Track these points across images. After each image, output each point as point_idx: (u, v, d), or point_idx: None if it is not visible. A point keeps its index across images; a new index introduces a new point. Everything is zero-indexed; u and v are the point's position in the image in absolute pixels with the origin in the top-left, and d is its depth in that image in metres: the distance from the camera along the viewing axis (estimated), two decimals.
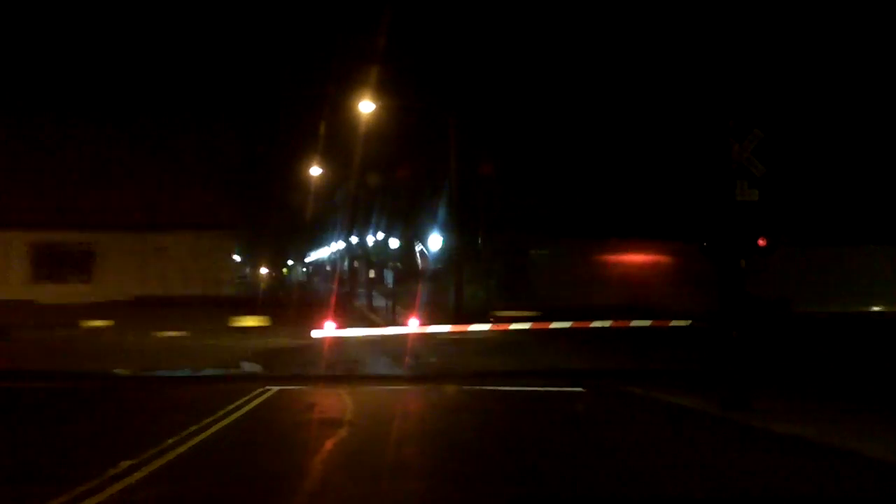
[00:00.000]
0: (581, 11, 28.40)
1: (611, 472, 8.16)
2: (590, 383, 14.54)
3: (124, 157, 34.02)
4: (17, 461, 8.31)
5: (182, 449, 8.72)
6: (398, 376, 16.45)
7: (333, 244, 59.03)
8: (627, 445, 9.59)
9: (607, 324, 21.94)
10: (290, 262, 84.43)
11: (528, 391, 14.32)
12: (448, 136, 24.95)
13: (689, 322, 21.14)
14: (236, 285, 35.89)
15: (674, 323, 21.91)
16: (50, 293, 31.75)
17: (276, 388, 13.68)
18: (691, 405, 11.96)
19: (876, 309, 31.62)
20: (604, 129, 30.62)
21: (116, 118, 33.26)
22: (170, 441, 8.93)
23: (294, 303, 34.19)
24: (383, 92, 24.19)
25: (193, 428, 9.75)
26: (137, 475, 7.52)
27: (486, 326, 22.18)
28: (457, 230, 26.78)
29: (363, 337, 22.44)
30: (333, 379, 15.72)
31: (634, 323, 21.87)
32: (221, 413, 10.97)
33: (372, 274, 41.61)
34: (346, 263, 54.80)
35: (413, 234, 38.74)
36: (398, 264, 38.24)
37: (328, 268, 69.26)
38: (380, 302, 37.62)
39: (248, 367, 16.76)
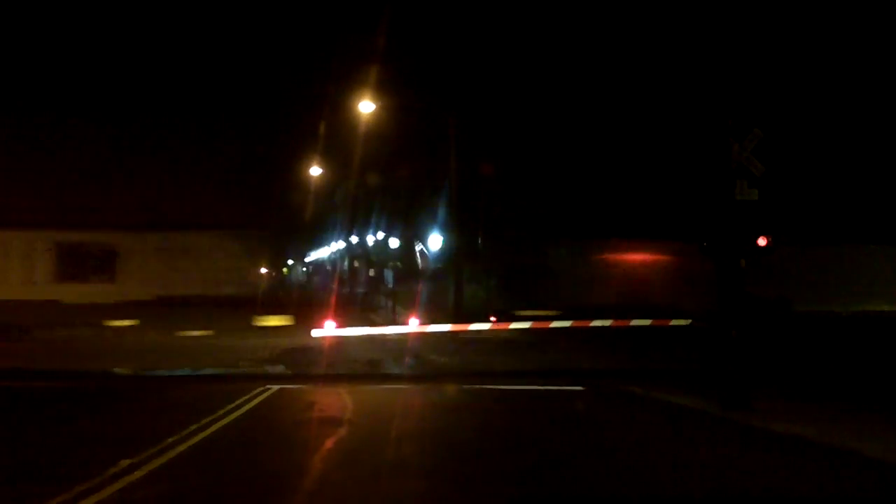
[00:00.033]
0: (581, 12, 28.40)
1: (611, 471, 8.16)
2: (590, 382, 14.55)
3: (146, 159, 34.15)
4: (17, 460, 8.31)
5: (182, 448, 8.72)
6: (398, 375, 16.45)
7: (333, 244, 59.02)
8: (627, 445, 9.59)
9: (608, 323, 22.01)
10: (290, 262, 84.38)
11: (528, 390, 14.32)
12: (448, 136, 24.95)
13: (689, 322, 21.18)
14: (254, 285, 35.89)
15: (674, 322, 21.95)
16: (74, 293, 31.87)
17: (276, 387, 13.69)
18: (691, 405, 11.96)
19: (880, 308, 31.60)
20: (604, 129, 30.63)
21: (138, 120, 33.39)
22: (170, 440, 8.93)
23: (308, 303, 34.28)
24: (383, 92, 24.17)
25: (193, 427, 9.75)
26: (137, 474, 7.53)
27: (486, 326, 22.21)
28: (457, 230, 26.78)
29: (365, 336, 22.46)
30: (333, 378, 15.71)
31: (634, 322, 21.92)
32: (221, 412, 10.97)
33: (372, 273, 41.63)
34: (346, 263, 54.79)
35: (413, 234, 38.75)
36: (398, 264, 38.23)
37: (328, 267, 69.22)
38: (380, 302, 37.68)
39: (271, 368, 16.81)
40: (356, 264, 52.27)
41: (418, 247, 38.90)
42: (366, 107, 24.50)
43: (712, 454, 9.01)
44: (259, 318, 26.30)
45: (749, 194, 11.68)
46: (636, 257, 34.06)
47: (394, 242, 38.02)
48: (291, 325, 25.80)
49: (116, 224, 33.59)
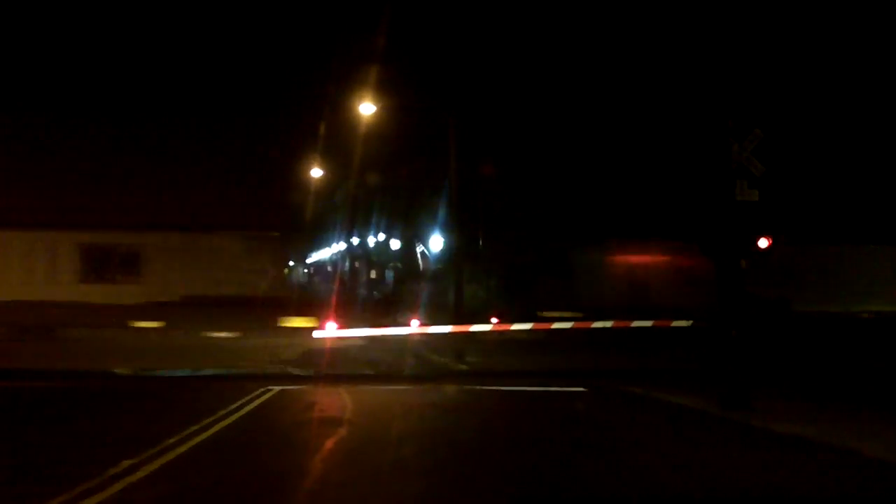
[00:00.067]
0: (581, 12, 28.41)
1: (611, 471, 8.16)
2: (591, 383, 14.56)
3: (169, 159, 34.14)
4: (18, 460, 8.31)
5: (183, 449, 8.73)
6: (399, 376, 16.47)
7: (334, 245, 59.04)
8: (627, 445, 9.60)
9: (609, 324, 22.03)
10: (290, 263, 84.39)
11: (528, 391, 14.33)
12: (448, 136, 24.95)
13: (690, 323, 21.18)
14: (276, 286, 35.90)
15: (675, 323, 21.96)
16: (98, 293, 31.83)
17: (277, 388, 13.70)
18: (691, 405, 11.97)
19: (879, 309, 31.60)
20: (604, 129, 30.64)
21: (159, 121, 33.37)
22: (170, 441, 8.94)
23: (328, 303, 34.37)
24: (383, 92, 24.16)
25: (194, 428, 9.76)
26: (138, 474, 7.53)
27: (486, 327, 22.20)
28: (457, 230, 26.79)
29: (370, 336, 22.53)
30: (334, 378, 15.73)
31: (636, 323, 21.94)
32: (222, 413, 10.98)
33: (373, 274, 41.64)
34: (346, 264, 54.80)
35: (413, 235, 38.77)
36: (399, 265, 38.28)
37: (329, 268, 69.23)
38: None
39: (294, 369, 16.89)
40: (356, 265, 52.28)
41: (419, 248, 38.94)
42: (366, 108, 24.51)
43: (712, 454, 9.02)
44: (285, 318, 26.38)
45: (749, 195, 11.69)
46: (647, 258, 34.04)
47: (394, 244, 38.05)
48: (316, 327, 25.81)
49: (141, 224, 33.63)
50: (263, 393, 13.14)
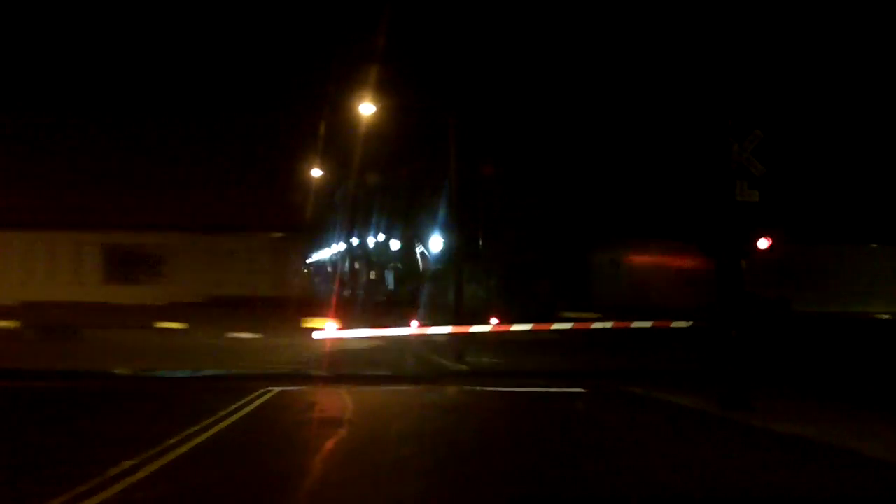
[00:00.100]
0: (581, 12, 28.41)
1: (611, 471, 8.17)
2: (591, 383, 14.56)
3: (193, 159, 34.18)
4: (18, 460, 8.31)
5: (183, 449, 8.73)
6: (399, 376, 16.47)
7: (334, 245, 59.01)
8: (627, 445, 9.60)
9: (609, 325, 22.08)
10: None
11: (528, 391, 14.33)
12: (448, 136, 24.94)
13: (690, 322, 21.19)
14: (298, 286, 35.93)
15: (675, 324, 21.98)
16: (122, 294, 31.92)
17: (277, 389, 13.70)
18: (691, 405, 11.98)
19: (884, 316, 31.57)
20: (604, 129, 30.64)
21: (182, 122, 33.40)
22: (170, 441, 8.94)
23: (351, 304, 34.49)
24: (383, 92, 24.15)
25: (194, 428, 9.76)
26: (138, 475, 7.54)
27: (486, 327, 22.20)
28: (457, 230, 26.80)
29: (371, 337, 22.59)
30: (334, 379, 15.73)
31: (636, 324, 21.98)
32: (223, 413, 10.98)
33: (373, 275, 41.61)
34: (346, 264, 54.78)
35: (413, 235, 38.77)
36: (399, 265, 38.27)
37: (329, 269, 69.19)
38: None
39: (315, 370, 16.99)
40: (357, 265, 52.28)
41: (419, 248, 38.94)
42: (366, 108, 24.50)
43: (712, 454, 9.02)
44: (307, 319, 26.44)
45: (749, 195, 11.70)
46: (663, 259, 34.00)
47: (394, 244, 38.06)
48: (339, 328, 25.83)
49: (164, 225, 33.69)
50: (264, 393, 13.13)
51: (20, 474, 7.66)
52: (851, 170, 30.80)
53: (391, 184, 36.80)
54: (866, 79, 28.55)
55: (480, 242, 32.34)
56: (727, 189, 11.53)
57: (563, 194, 32.65)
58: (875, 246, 34.08)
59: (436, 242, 35.91)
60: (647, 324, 22.17)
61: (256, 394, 12.97)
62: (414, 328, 22.22)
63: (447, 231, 29.16)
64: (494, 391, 14.25)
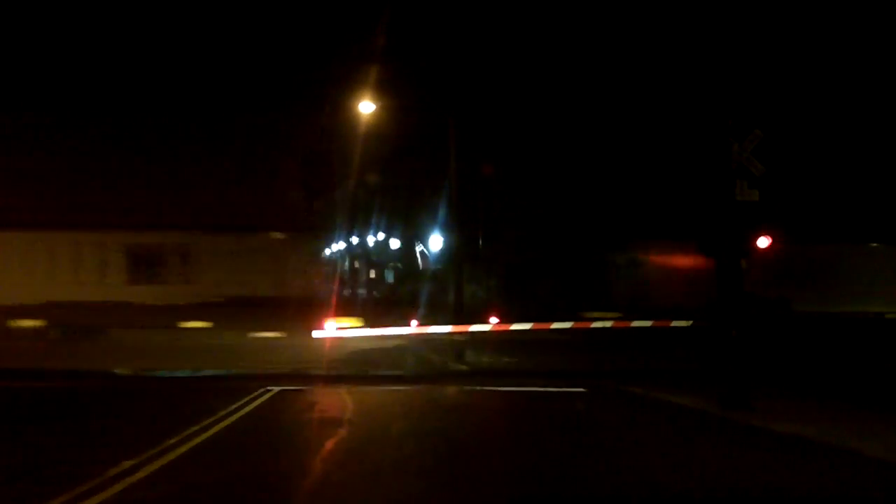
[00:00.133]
0: (580, 11, 28.41)
1: (611, 471, 8.16)
2: (591, 383, 14.57)
3: (217, 159, 34.19)
4: (18, 460, 8.31)
5: (183, 449, 8.73)
6: (399, 376, 16.47)
7: (334, 244, 58.98)
8: (627, 445, 9.60)
9: (608, 324, 22.08)
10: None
11: (529, 391, 14.33)
12: (448, 136, 24.95)
13: (690, 322, 21.20)
14: (321, 285, 35.95)
15: (675, 323, 21.99)
16: (146, 294, 32.00)
17: (277, 389, 13.70)
18: (691, 404, 11.97)
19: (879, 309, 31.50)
20: (603, 128, 30.64)
21: (202, 121, 33.42)
22: (170, 441, 8.94)
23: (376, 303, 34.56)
24: (383, 92, 24.15)
25: (194, 428, 9.76)
26: (138, 475, 7.54)
27: (486, 327, 22.20)
28: (457, 230, 26.81)
29: (369, 337, 22.62)
30: (334, 379, 15.74)
31: (635, 323, 21.99)
32: (223, 413, 10.99)
33: (373, 274, 41.59)
34: (346, 263, 54.76)
35: (413, 235, 38.77)
36: (398, 264, 38.27)
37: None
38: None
39: (338, 370, 17.07)
40: (356, 264, 52.25)
41: (419, 247, 38.96)
42: (366, 107, 24.50)
43: (712, 454, 9.02)
44: (332, 319, 26.49)
45: (749, 195, 11.70)
46: (680, 259, 33.93)
47: (394, 243, 38.06)
48: (362, 328, 25.88)
49: (188, 225, 33.73)
50: (263, 393, 13.14)
51: (20, 474, 7.67)
52: (851, 169, 30.80)
53: (391, 183, 36.81)
54: (866, 78, 28.56)
55: (480, 242, 32.34)
56: (727, 189, 11.52)
57: (572, 194, 32.64)
58: (875, 245, 34.07)
59: (436, 242, 35.93)
60: (647, 323, 22.17)
61: (256, 393, 12.97)
62: (413, 328, 22.25)
63: (447, 231, 29.18)
64: (494, 391, 14.25)
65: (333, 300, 32.32)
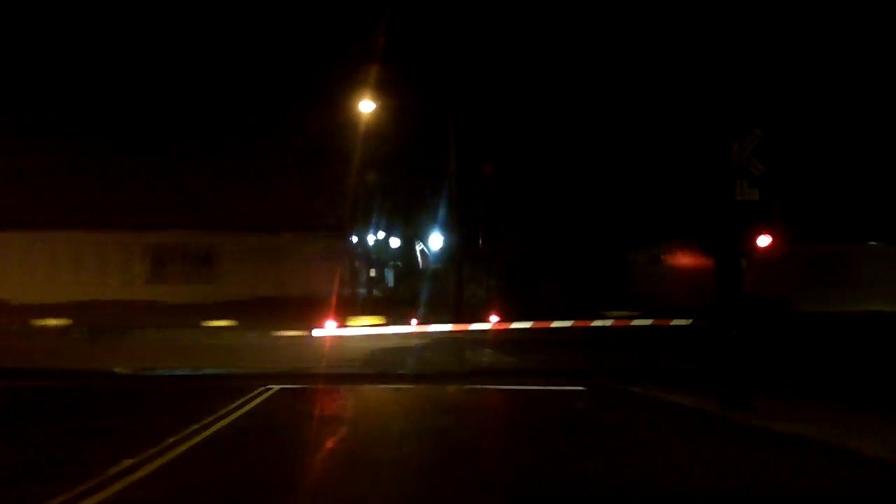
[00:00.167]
0: (580, 11, 28.43)
1: (611, 470, 8.17)
2: (591, 382, 14.57)
3: (240, 159, 34.25)
4: (18, 460, 8.32)
5: (183, 447, 8.74)
6: (399, 375, 16.48)
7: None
8: (627, 444, 9.60)
9: (608, 323, 22.09)
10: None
11: (529, 390, 14.33)
12: (448, 136, 25.02)
13: (690, 321, 21.23)
14: (345, 284, 36.08)
15: (675, 322, 22.01)
16: (170, 293, 32.09)
17: (277, 387, 13.70)
18: (691, 404, 11.97)
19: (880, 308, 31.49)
20: (603, 128, 30.66)
21: (223, 122, 33.46)
22: (171, 440, 8.95)
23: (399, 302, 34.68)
24: (383, 92, 24.22)
25: (194, 427, 9.77)
26: (139, 473, 7.55)
27: (486, 326, 22.25)
28: (457, 230, 26.87)
29: (367, 335, 22.64)
30: (335, 378, 15.75)
31: (635, 322, 22.01)
32: (223, 412, 10.99)
33: (373, 273, 41.60)
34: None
35: (413, 234, 38.80)
36: (399, 263, 38.29)
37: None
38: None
39: (362, 369, 17.14)
40: (357, 263, 52.24)
41: (419, 246, 38.98)
42: (366, 107, 24.59)
43: (712, 453, 9.02)
44: (354, 318, 26.57)
45: (749, 194, 11.70)
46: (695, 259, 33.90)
47: (394, 242, 38.09)
48: (383, 325, 25.94)
49: (214, 225, 33.82)
50: (263, 391, 13.15)
51: (20, 474, 7.67)
52: (851, 168, 30.81)
53: (390, 183, 36.83)
54: (866, 78, 28.57)
55: (480, 242, 32.38)
56: (727, 188, 11.52)
57: (573, 194, 32.63)
58: (874, 244, 34.06)
59: (436, 241, 35.97)
60: (648, 322, 22.19)
61: (256, 392, 12.98)
62: (413, 325, 22.30)
63: (447, 231, 29.21)
64: (494, 389, 14.26)
65: (354, 299, 32.50)
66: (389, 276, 46.48)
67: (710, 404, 11.46)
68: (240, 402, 11.96)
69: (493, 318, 22.71)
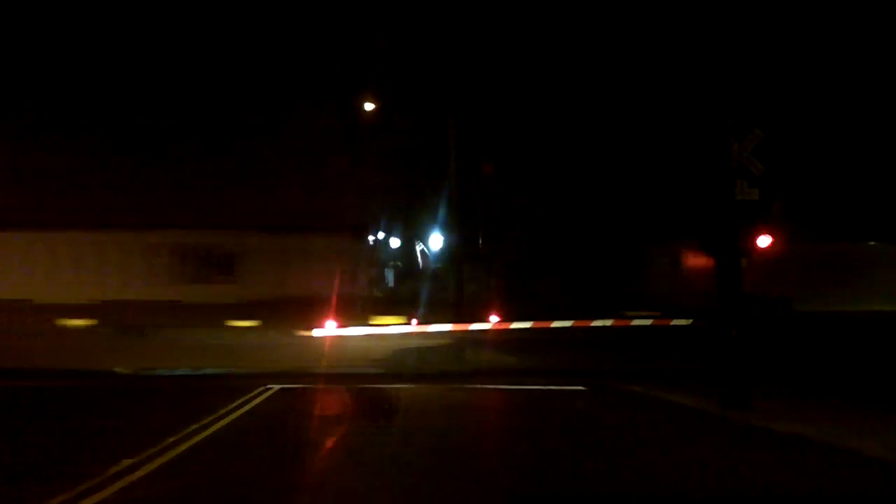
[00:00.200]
0: (580, 11, 28.44)
1: (611, 470, 8.17)
2: (591, 382, 14.57)
3: (264, 159, 34.28)
4: (18, 459, 8.32)
5: (183, 447, 8.74)
6: (400, 375, 16.48)
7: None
8: (627, 444, 9.60)
9: (608, 323, 22.09)
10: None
11: (529, 390, 14.33)
12: (447, 136, 25.01)
13: (690, 321, 21.23)
14: (367, 284, 36.17)
15: (675, 322, 22.01)
16: (194, 293, 32.12)
17: (277, 387, 13.71)
18: (691, 404, 11.97)
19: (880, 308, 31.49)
20: (603, 128, 30.67)
21: (246, 123, 33.53)
22: (171, 439, 8.95)
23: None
24: (383, 92, 24.23)
25: (194, 426, 9.77)
26: (139, 473, 7.55)
27: (486, 325, 22.24)
28: (457, 230, 26.86)
29: (366, 335, 22.67)
30: (335, 377, 15.75)
31: (635, 322, 22.00)
32: (223, 411, 11.00)
33: (373, 273, 41.51)
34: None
35: (413, 234, 38.77)
36: (398, 263, 38.26)
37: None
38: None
39: (381, 369, 17.15)
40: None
41: (419, 246, 38.95)
42: (366, 106, 24.61)
43: (712, 453, 9.03)
44: (376, 317, 26.60)
45: (749, 194, 11.70)
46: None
47: (394, 242, 38.08)
48: (405, 325, 25.96)
49: (237, 225, 33.91)
50: (264, 391, 13.15)
51: (20, 473, 7.68)
52: (852, 168, 30.83)
53: (390, 182, 36.82)
54: (866, 77, 28.57)
55: (480, 241, 32.37)
56: (727, 188, 11.52)
57: (574, 193, 32.64)
58: (875, 244, 34.06)
59: (436, 241, 35.92)
60: (648, 321, 22.20)
61: (256, 391, 12.98)
62: (414, 325, 22.30)
63: (447, 230, 29.20)
64: (494, 389, 14.26)
65: (379, 298, 32.52)
66: (390, 276, 46.44)
67: (710, 404, 11.46)
68: (240, 401, 11.96)
69: (493, 318, 22.69)
